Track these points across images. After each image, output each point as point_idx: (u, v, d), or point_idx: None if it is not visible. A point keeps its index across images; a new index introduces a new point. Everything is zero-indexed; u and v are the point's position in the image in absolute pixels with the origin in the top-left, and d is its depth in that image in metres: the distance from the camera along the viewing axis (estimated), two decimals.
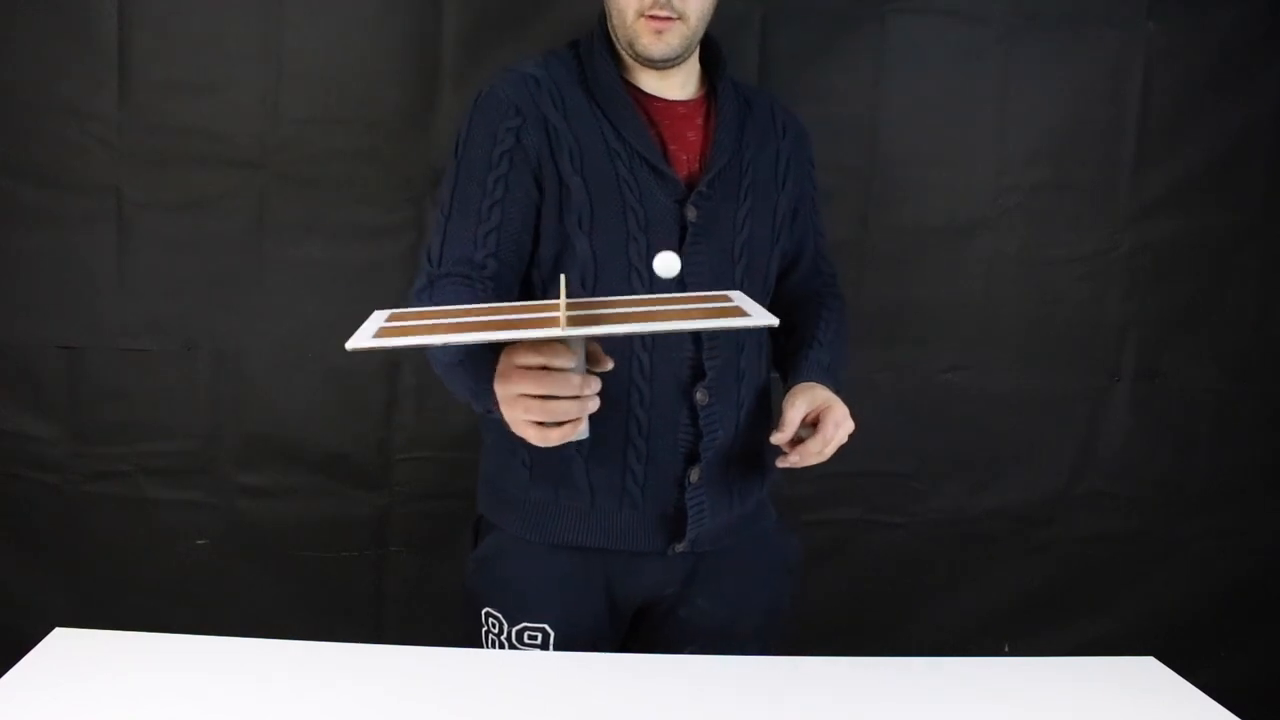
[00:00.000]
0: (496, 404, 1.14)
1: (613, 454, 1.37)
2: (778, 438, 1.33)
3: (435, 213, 1.38)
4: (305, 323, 1.86)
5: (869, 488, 2.01)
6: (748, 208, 1.42)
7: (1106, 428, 2.06)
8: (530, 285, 1.39)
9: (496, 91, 1.36)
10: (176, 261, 1.83)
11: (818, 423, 1.33)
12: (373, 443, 1.91)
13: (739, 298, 1.13)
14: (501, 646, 1.40)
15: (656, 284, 1.34)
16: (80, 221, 1.81)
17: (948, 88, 1.93)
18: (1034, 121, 1.95)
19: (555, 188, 1.34)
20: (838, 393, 1.37)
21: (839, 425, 1.32)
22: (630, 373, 1.34)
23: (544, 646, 1.39)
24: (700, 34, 1.39)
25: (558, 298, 1.34)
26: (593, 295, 1.34)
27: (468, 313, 1.10)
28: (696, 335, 1.36)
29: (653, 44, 1.35)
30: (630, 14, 1.35)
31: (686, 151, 1.40)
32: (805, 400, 1.34)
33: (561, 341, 1.06)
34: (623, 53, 1.40)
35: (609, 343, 1.14)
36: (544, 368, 1.06)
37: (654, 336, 1.34)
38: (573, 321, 0.99)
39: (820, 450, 1.33)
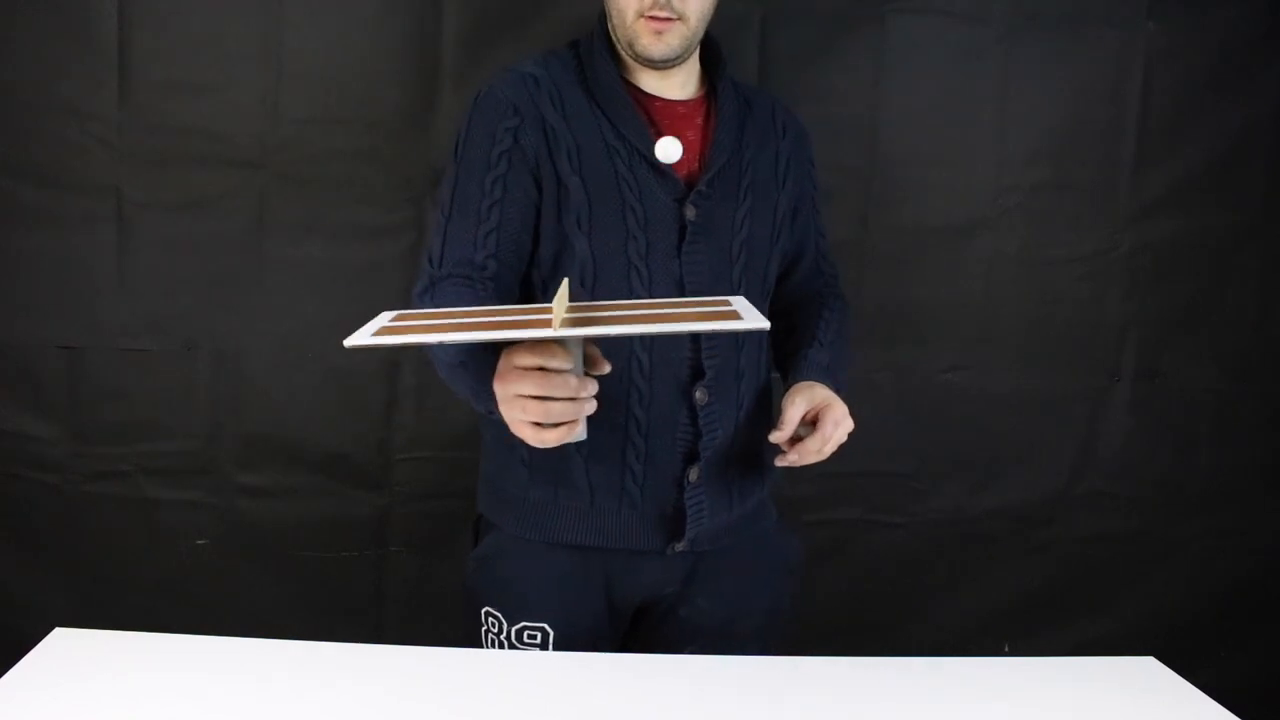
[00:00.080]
0: (497, 405, 1.14)
1: (612, 453, 1.37)
2: (776, 436, 1.33)
3: (435, 213, 1.38)
4: (305, 323, 1.86)
5: (869, 488, 2.01)
6: (747, 207, 1.42)
7: (1106, 428, 2.06)
8: (530, 285, 1.39)
9: (495, 91, 1.37)
10: (176, 261, 1.83)
11: (816, 421, 1.33)
12: (373, 443, 1.91)
13: (738, 302, 1.13)
14: (501, 646, 1.40)
15: (655, 267, 1.34)
16: (80, 221, 1.81)
17: (948, 88, 1.93)
18: (1034, 121, 1.95)
19: (554, 187, 1.34)
20: (838, 392, 1.37)
21: (838, 424, 1.32)
22: (629, 372, 1.34)
23: (543, 646, 1.39)
24: (700, 34, 1.39)
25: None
26: (592, 294, 1.34)
27: (468, 314, 1.11)
28: (696, 335, 1.36)
29: (652, 44, 1.35)
30: (630, 14, 1.35)
31: (686, 151, 1.40)
32: (804, 399, 1.34)
33: (559, 343, 1.06)
34: (623, 53, 1.40)
35: (608, 344, 1.15)
36: (541, 369, 1.07)
37: (653, 336, 1.34)
38: (567, 323, 1.00)
39: (819, 449, 1.33)
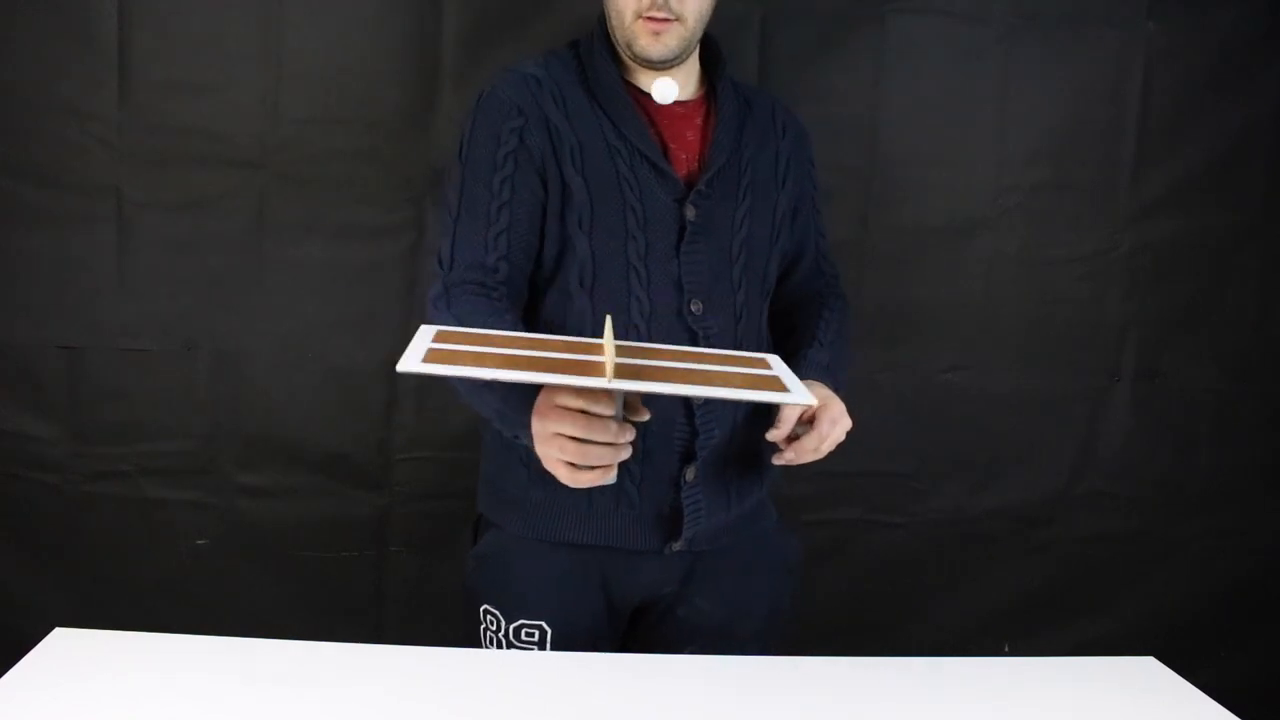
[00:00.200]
0: (524, 431, 1.17)
1: None
2: (774, 434, 1.33)
3: (442, 215, 1.38)
4: (305, 323, 1.86)
5: (869, 488, 2.01)
6: (746, 207, 1.42)
7: (1106, 428, 2.06)
8: (534, 285, 1.39)
9: (498, 93, 1.37)
10: (176, 261, 1.83)
11: (813, 420, 1.33)
12: (373, 443, 1.91)
13: (776, 364, 1.17)
14: (499, 644, 1.40)
15: (653, 267, 1.34)
16: (80, 221, 1.81)
17: (948, 88, 1.93)
18: (1034, 121, 1.96)
19: (558, 188, 1.35)
20: (837, 392, 1.37)
21: (835, 423, 1.32)
22: None
23: (541, 644, 1.39)
24: (699, 35, 1.39)
25: (562, 305, 1.35)
26: (591, 294, 1.35)
27: (513, 341, 1.13)
28: (693, 332, 1.36)
29: (651, 45, 1.35)
30: (628, 15, 1.35)
31: (686, 151, 1.41)
32: None
33: (606, 391, 1.07)
34: (622, 53, 1.40)
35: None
36: (584, 412, 1.09)
37: (651, 334, 1.34)
38: (620, 372, 1.01)
39: (816, 447, 1.32)
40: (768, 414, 1.41)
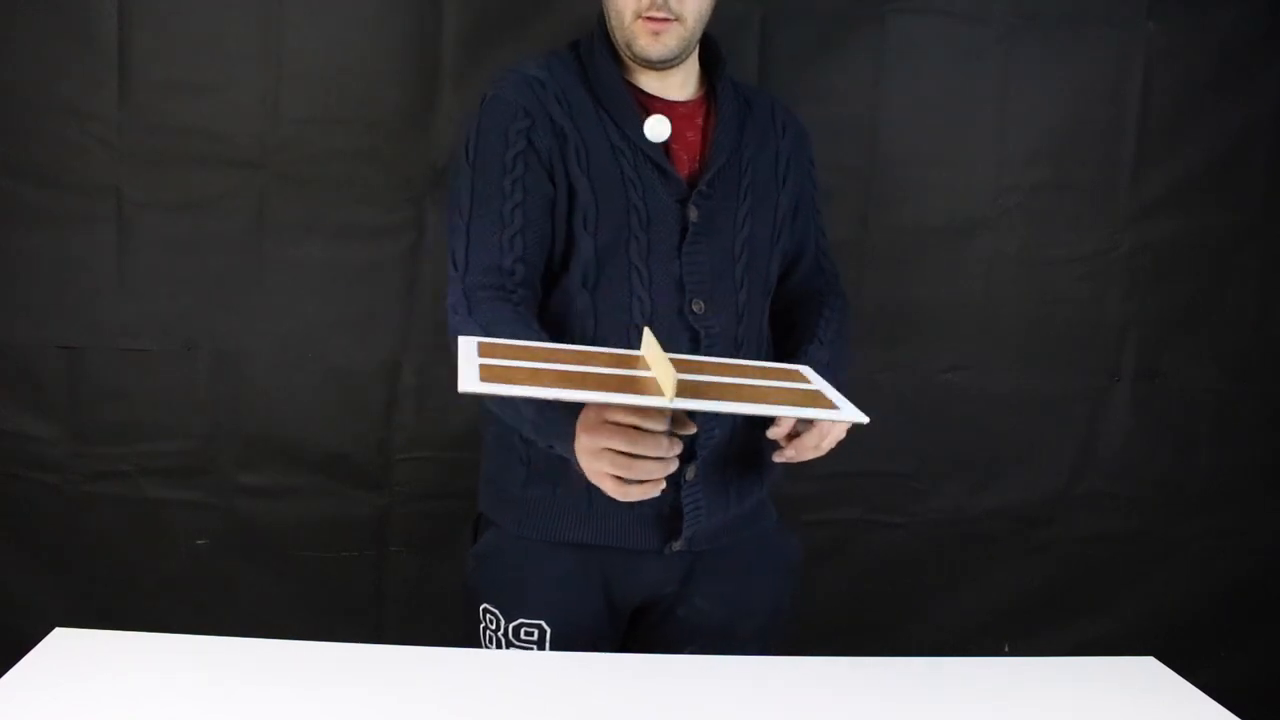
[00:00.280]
0: (562, 442, 1.18)
1: None
2: (775, 432, 1.33)
3: (451, 218, 1.37)
4: (305, 323, 1.86)
5: (869, 488, 2.01)
6: (748, 207, 1.42)
7: (1106, 428, 2.06)
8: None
9: (503, 94, 1.37)
10: (176, 261, 1.83)
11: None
12: (373, 443, 1.91)
13: (813, 378, 1.20)
14: (499, 643, 1.40)
15: (655, 267, 1.34)
16: (80, 221, 1.81)
17: (948, 88, 1.93)
18: (1034, 121, 1.96)
19: (564, 188, 1.35)
20: (838, 390, 1.37)
21: (836, 421, 1.32)
22: None
23: (540, 643, 1.39)
24: (698, 35, 1.39)
25: (565, 304, 1.35)
26: (593, 294, 1.35)
27: (558, 355, 1.14)
28: (695, 332, 1.36)
29: (650, 45, 1.35)
30: (628, 15, 1.35)
31: (687, 151, 1.41)
32: None
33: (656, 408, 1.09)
34: (622, 53, 1.40)
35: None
36: (635, 427, 1.10)
37: (652, 331, 1.34)
38: (682, 391, 1.02)
39: (816, 445, 1.32)
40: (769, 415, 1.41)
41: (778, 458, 1.35)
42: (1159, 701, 1.22)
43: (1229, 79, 1.97)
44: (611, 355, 1.17)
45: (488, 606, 1.41)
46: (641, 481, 1.13)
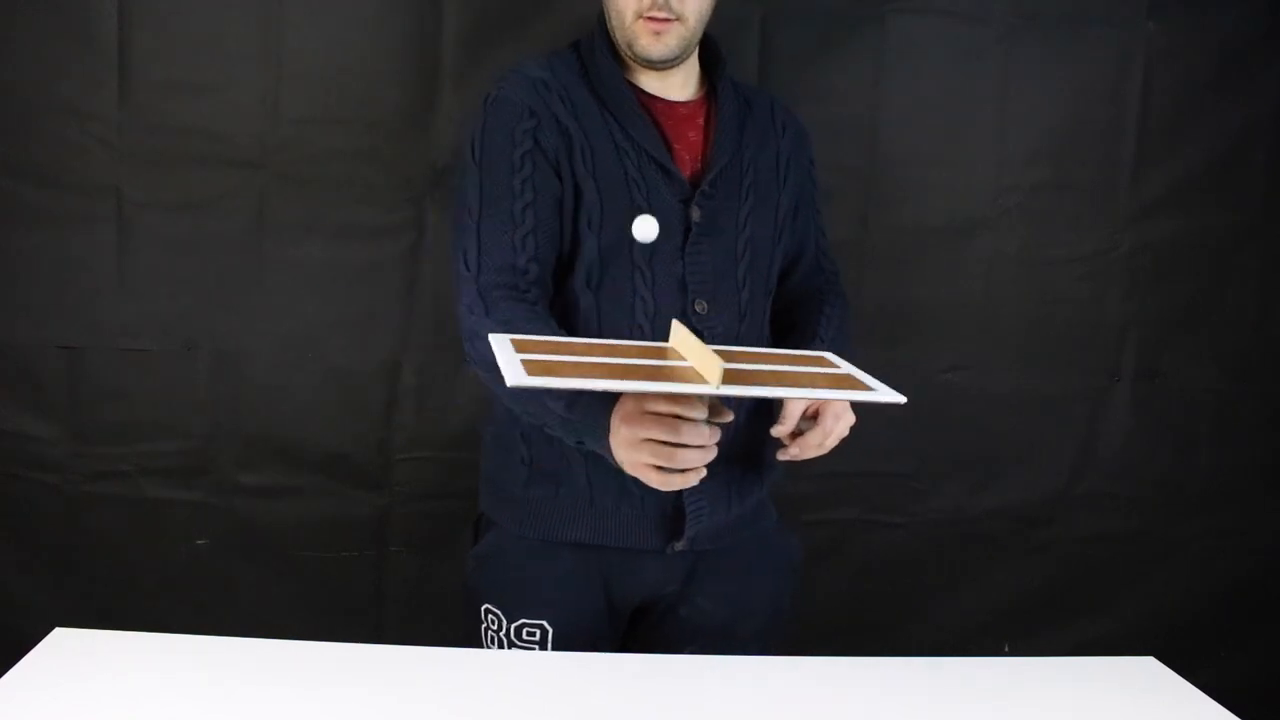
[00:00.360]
0: (594, 437, 1.18)
1: None
2: (778, 430, 1.33)
3: (459, 219, 1.36)
4: (305, 323, 1.86)
5: (869, 488, 2.01)
6: (749, 207, 1.42)
7: (1106, 428, 2.06)
8: None
9: (508, 94, 1.37)
10: (176, 261, 1.83)
11: (817, 416, 1.33)
12: (373, 443, 1.91)
13: (839, 362, 1.20)
14: (500, 643, 1.40)
15: (658, 267, 1.34)
16: (80, 221, 1.81)
17: (948, 88, 1.93)
18: (1034, 121, 1.96)
19: (571, 188, 1.35)
20: None
21: (839, 418, 1.33)
22: None
23: (542, 643, 1.39)
24: (699, 35, 1.39)
25: (568, 304, 1.36)
26: (596, 294, 1.35)
27: (591, 349, 1.15)
28: (698, 332, 1.36)
29: (651, 45, 1.35)
30: (629, 15, 1.35)
31: (689, 151, 1.41)
32: None
33: (699, 395, 1.10)
34: (623, 54, 1.40)
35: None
36: (676, 416, 1.11)
37: (655, 334, 1.35)
38: (726, 378, 1.03)
39: (820, 443, 1.33)
40: (769, 413, 1.42)
41: (782, 456, 1.35)
42: (1159, 701, 1.22)
43: (1229, 79, 1.97)
44: (641, 348, 1.18)
45: (489, 607, 1.41)
46: (683, 471, 1.14)
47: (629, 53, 1.39)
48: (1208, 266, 2.03)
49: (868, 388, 1.11)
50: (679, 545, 1.41)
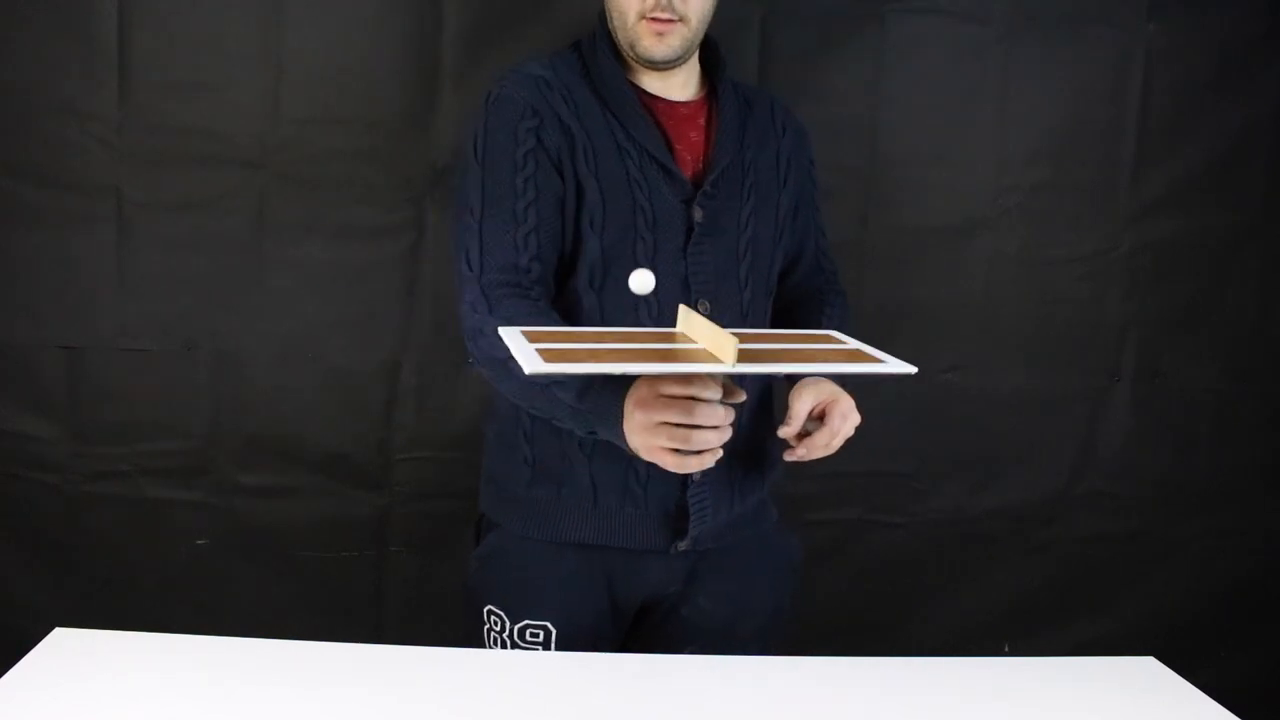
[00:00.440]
0: (606, 425, 1.18)
1: (616, 452, 1.37)
2: (785, 431, 1.33)
3: (461, 218, 1.36)
4: (305, 323, 1.86)
5: (869, 488, 2.01)
6: (751, 207, 1.42)
7: (1106, 428, 2.06)
8: None
9: (509, 93, 1.36)
10: (176, 261, 1.83)
11: (824, 416, 1.33)
12: (373, 443, 1.91)
13: (845, 338, 1.21)
14: (503, 644, 1.40)
15: (661, 267, 1.34)
16: (80, 221, 1.81)
17: (948, 88, 1.93)
18: (1034, 121, 1.96)
19: (573, 187, 1.35)
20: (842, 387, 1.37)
21: (845, 418, 1.33)
22: None
23: (546, 644, 1.39)
24: (701, 36, 1.39)
25: (571, 304, 1.36)
26: (599, 294, 1.35)
27: (601, 336, 1.15)
28: None
29: (654, 46, 1.35)
30: (631, 16, 1.35)
31: (690, 152, 1.41)
32: (811, 394, 1.34)
33: (711, 375, 1.10)
34: (624, 54, 1.40)
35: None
36: (690, 398, 1.12)
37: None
38: (741, 357, 1.03)
39: (827, 443, 1.33)
40: (772, 413, 1.42)
41: (789, 457, 1.35)
42: (1159, 701, 1.22)
43: (1229, 79, 1.97)
44: (651, 333, 1.19)
45: (492, 608, 1.41)
46: (699, 453, 1.14)
47: (631, 53, 1.39)
48: (1208, 266, 2.03)
49: (878, 360, 1.11)
50: (682, 545, 1.41)
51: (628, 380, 1.18)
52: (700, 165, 1.41)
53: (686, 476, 1.38)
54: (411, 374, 1.89)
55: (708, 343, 1.08)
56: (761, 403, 1.46)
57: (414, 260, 1.85)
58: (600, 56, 1.40)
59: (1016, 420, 2.03)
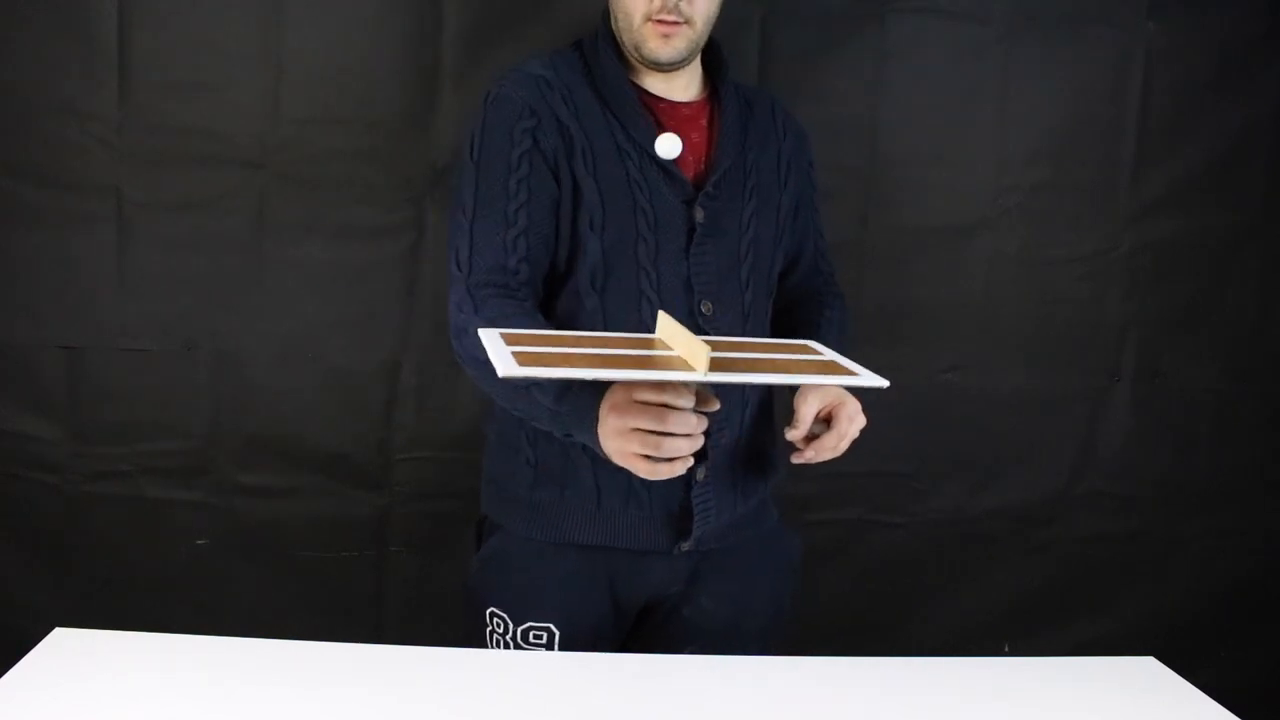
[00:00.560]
0: (583, 429, 1.18)
1: None
2: (793, 434, 1.33)
3: (454, 217, 1.37)
4: (305, 323, 1.86)
5: (869, 488, 2.01)
6: (752, 208, 1.42)
7: (1106, 428, 2.06)
8: (545, 285, 1.39)
9: (508, 93, 1.36)
10: (176, 261, 1.83)
11: (830, 418, 1.33)
12: (373, 443, 1.91)
13: (820, 349, 1.21)
14: (506, 646, 1.40)
15: (663, 268, 1.34)
16: (80, 221, 1.81)
17: (948, 88, 1.93)
18: (1034, 121, 1.96)
19: (570, 188, 1.35)
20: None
21: (852, 420, 1.33)
22: None
23: (549, 646, 1.39)
24: (705, 38, 1.40)
25: (573, 305, 1.36)
26: (602, 295, 1.35)
27: (580, 340, 1.15)
28: (704, 332, 1.36)
29: (660, 48, 1.35)
30: (637, 18, 1.35)
31: (692, 153, 1.41)
32: (817, 397, 1.34)
33: (684, 383, 1.10)
34: (628, 55, 1.40)
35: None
36: (663, 405, 1.12)
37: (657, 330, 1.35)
38: (713, 365, 1.03)
39: (834, 446, 1.33)
40: (773, 413, 1.42)
41: (796, 459, 1.35)
42: (1159, 701, 1.22)
43: (1229, 79, 1.97)
44: (628, 339, 1.19)
45: (495, 610, 1.41)
46: (671, 460, 1.14)
47: (636, 55, 1.38)
48: (1208, 266, 2.03)
49: (852, 373, 1.12)
50: (685, 545, 1.41)
51: (605, 384, 1.19)
52: (702, 166, 1.41)
53: (691, 477, 1.38)
54: (411, 374, 1.89)
55: (683, 350, 1.09)
56: (763, 404, 1.46)
57: (414, 260, 1.85)
58: (603, 56, 1.40)
59: (1016, 420, 2.03)
